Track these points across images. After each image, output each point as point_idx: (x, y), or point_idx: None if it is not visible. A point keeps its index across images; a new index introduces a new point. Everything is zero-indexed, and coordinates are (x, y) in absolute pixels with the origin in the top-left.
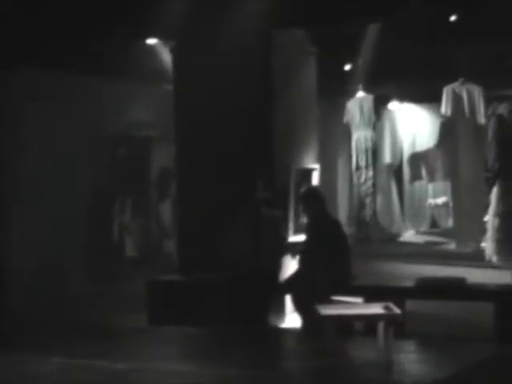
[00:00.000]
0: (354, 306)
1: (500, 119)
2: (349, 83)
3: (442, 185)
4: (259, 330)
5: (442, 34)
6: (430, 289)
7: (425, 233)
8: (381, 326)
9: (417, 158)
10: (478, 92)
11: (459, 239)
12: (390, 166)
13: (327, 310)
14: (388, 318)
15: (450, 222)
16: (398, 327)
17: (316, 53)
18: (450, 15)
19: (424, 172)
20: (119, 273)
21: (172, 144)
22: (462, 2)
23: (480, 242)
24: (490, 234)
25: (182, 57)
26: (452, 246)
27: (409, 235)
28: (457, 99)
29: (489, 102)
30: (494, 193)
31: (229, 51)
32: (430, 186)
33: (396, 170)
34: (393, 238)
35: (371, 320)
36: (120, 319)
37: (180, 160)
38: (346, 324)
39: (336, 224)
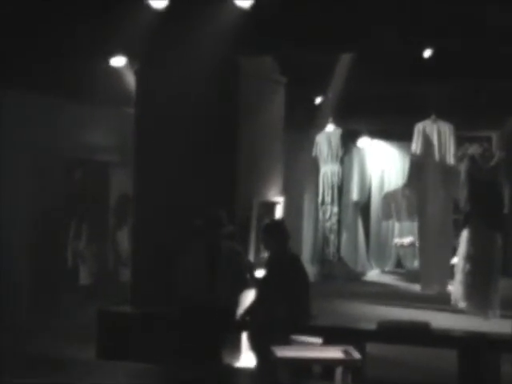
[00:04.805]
0: (311, 349)
1: (473, 160)
2: (319, 116)
3: (409, 224)
4: (212, 368)
5: (415, 69)
6: (393, 333)
7: (390, 273)
8: (339, 371)
9: (388, 197)
10: (449, 130)
11: (424, 281)
12: (356, 203)
13: (283, 352)
14: (347, 363)
15: (415, 263)
16: (357, 372)
17: (285, 82)
18: (424, 50)
19: (393, 211)
20: (72, 301)
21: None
22: (438, 38)
23: (445, 284)
24: (458, 277)
25: (145, 80)
26: (416, 287)
27: (374, 274)
28: (427, 137)
29: (460, 142)
30: (465, 235)
31: (194, 76)
32: (397, 225)
33: (363, 208)
34: (357, 277)
35: (329, 364)
36: (70, 351)
37: (138, 187)
38: (302, 367)
39: (297, 260)
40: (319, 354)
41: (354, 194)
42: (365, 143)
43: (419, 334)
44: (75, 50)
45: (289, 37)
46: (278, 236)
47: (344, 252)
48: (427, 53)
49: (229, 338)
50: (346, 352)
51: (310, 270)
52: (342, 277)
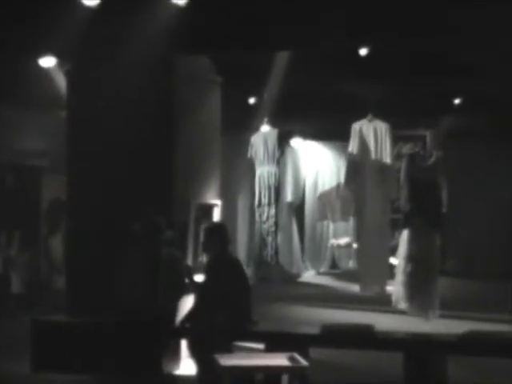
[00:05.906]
0: (255, 356)
1: (411, 159)
2: (254, 117)
3: (344, 225)
4: (151, 377)
5: (351, 70)
6: (337, 336)
7: (325, 274)
8: (285, 379)
9: (322, 198)
10: (385, 130)
11: (363, 283)
12: (291, 204)
13: (227, 361)
14: (293, 371)
15: (350, 263)
16: (303, 380)
17: (221, 82)
18: (359, 50)
19: (328, 211)
20: (3, 311)
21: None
22: (373, 37)
23: (384, 285)
24: (399, 278)
25: (77, 81)
26: (353, 287)
27: (309, 276)
28: (364, 137)
29: (395, 141)
30: (405, 235)
31: (128, 76)
32: (332, 226)
33: (297, 209)
34: (293, 279)
35: (275, 372)
36: (1, 363)
37: (71, 192)
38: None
39: (237, 263)
40: (264, 361)
41: (289, 195)
42: (298, 144)
43: (363, 337)
44: (3, 50)
45: (224, 36)
46: (219, 239)
47: (279, 254)
48: (363, 52)
49: (168, 346)
50: (291, 359)
51: (246, 272)
52: (277, 279)
